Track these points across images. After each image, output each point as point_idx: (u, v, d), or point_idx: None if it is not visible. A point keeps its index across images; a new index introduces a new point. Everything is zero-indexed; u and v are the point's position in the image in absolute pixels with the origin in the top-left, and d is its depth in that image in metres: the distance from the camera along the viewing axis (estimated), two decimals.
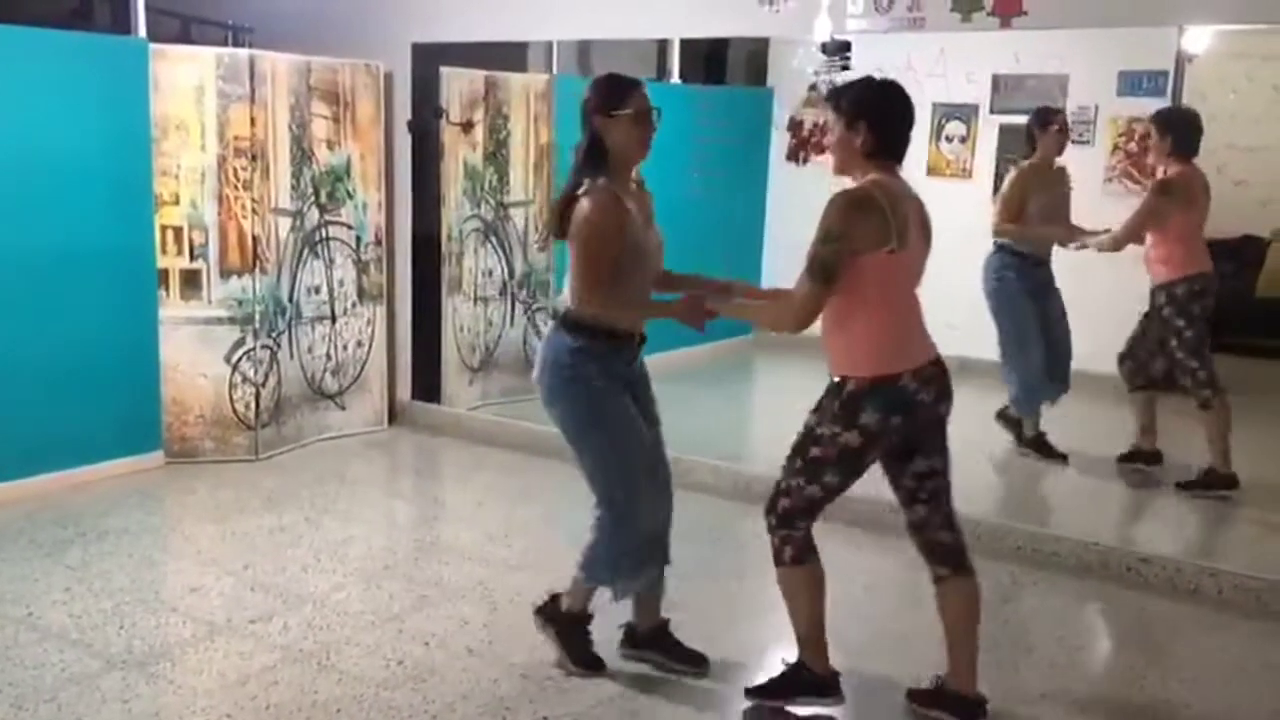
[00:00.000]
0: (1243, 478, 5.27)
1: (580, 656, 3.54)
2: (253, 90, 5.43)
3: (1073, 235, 5.61)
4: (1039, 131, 5.66)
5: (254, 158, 5.47)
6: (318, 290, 5.95)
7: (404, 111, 6.25)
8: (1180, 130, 5.23)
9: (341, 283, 6.05)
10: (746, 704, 3.36)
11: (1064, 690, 3.58)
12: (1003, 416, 5.90)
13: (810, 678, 3.29)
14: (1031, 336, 5.67)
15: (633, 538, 3.38)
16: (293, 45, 5.87)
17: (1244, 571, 4.27)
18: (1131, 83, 7.24)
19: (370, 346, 6.24)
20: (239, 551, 4.50)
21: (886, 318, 3.06)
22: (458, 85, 6.28)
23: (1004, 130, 7.68)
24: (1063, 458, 5.71)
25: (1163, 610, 4.21)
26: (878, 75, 3.13)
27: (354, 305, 6.13)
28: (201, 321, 5.51)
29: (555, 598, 3.60)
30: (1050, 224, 5.63)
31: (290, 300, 5.79)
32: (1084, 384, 5.88)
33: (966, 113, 7.70)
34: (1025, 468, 5.70)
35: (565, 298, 3.31)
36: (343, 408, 6.16)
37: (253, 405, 5.61)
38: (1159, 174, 5.37)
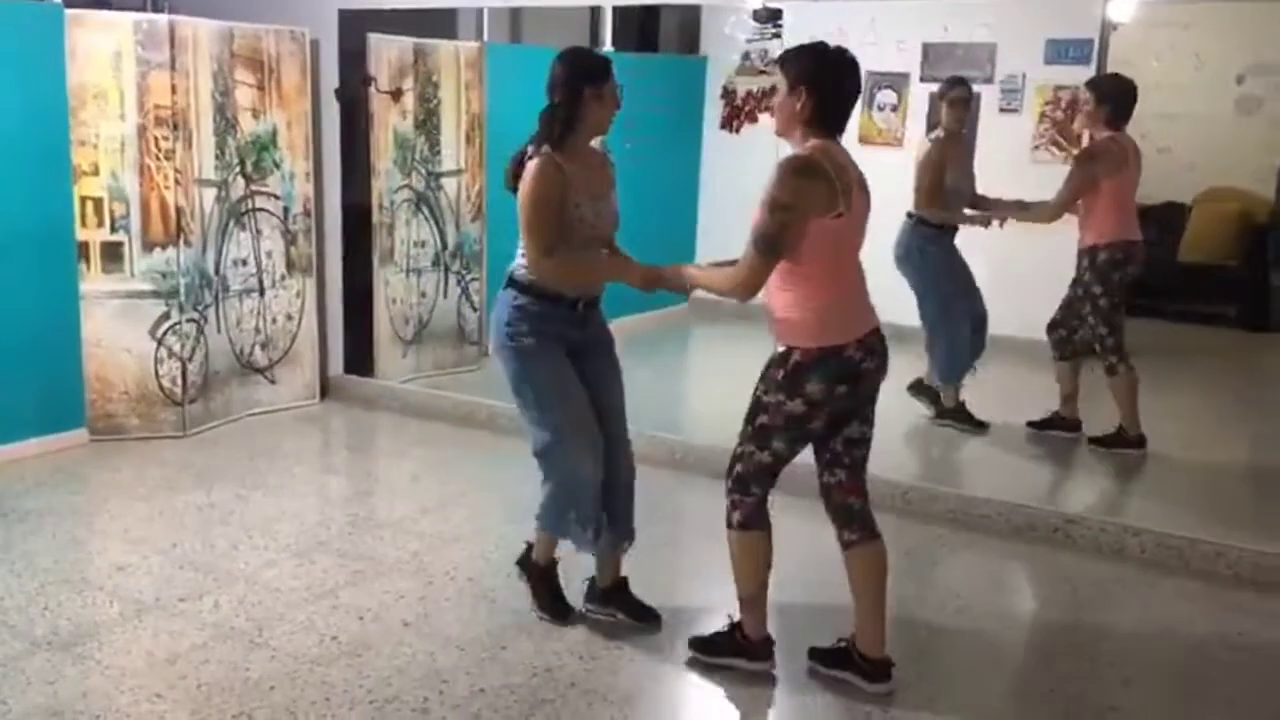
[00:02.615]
0: (1162, 440, 5.41)
1: (546, 603, 3.71)
2: (173, 57, 5.30)
3: (993, 211, 5.68)
4: (941, 103, 5.71)
5: (176, 127, 5.34)
6: (245, 262, 5.83)
7: (331, 79, 6.13)
8: (1117, 100, 5.30)
9: (269, 255, 5.94)
10: (688, 655, 3.46)
11: (993, 651, 3.66)
12: (916, 388, 5.96)
13: (742, 642, 3.37)
14: (957, 307, 5.72)
15: (570, 491, 3.51)
16: (214, 11, 5.72)
17: (1166, 530, 4.37)
18: (1058, 51, 7.34)
19: (300, 319, 6.14)
20: (167, 529, 4.42)
21: (832, 287, 3.09)
22: (386, 53, 6.17)
23: (934, 99, 7.75)
24: (984, 426, 5.78)
25: (1089, 570, 4.30)
26: (832, 42, 3.13)
27: (283, 277, 6.02)
28: (124, 295, 5.38)
29: (530, 546, 3.79)
30: (962, 193, 5.71)
31: (216, 273, 5.68)
32: (1008, 349, 5.99)
33: (897, 81, 7.75)
34: (947, 435, 5.77)
35: (519, 258, 3.43)
36: (273, 382, 6.07)
37: (179, 380, 5.50)
38: (1084, 140, 5.45)
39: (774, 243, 2.98)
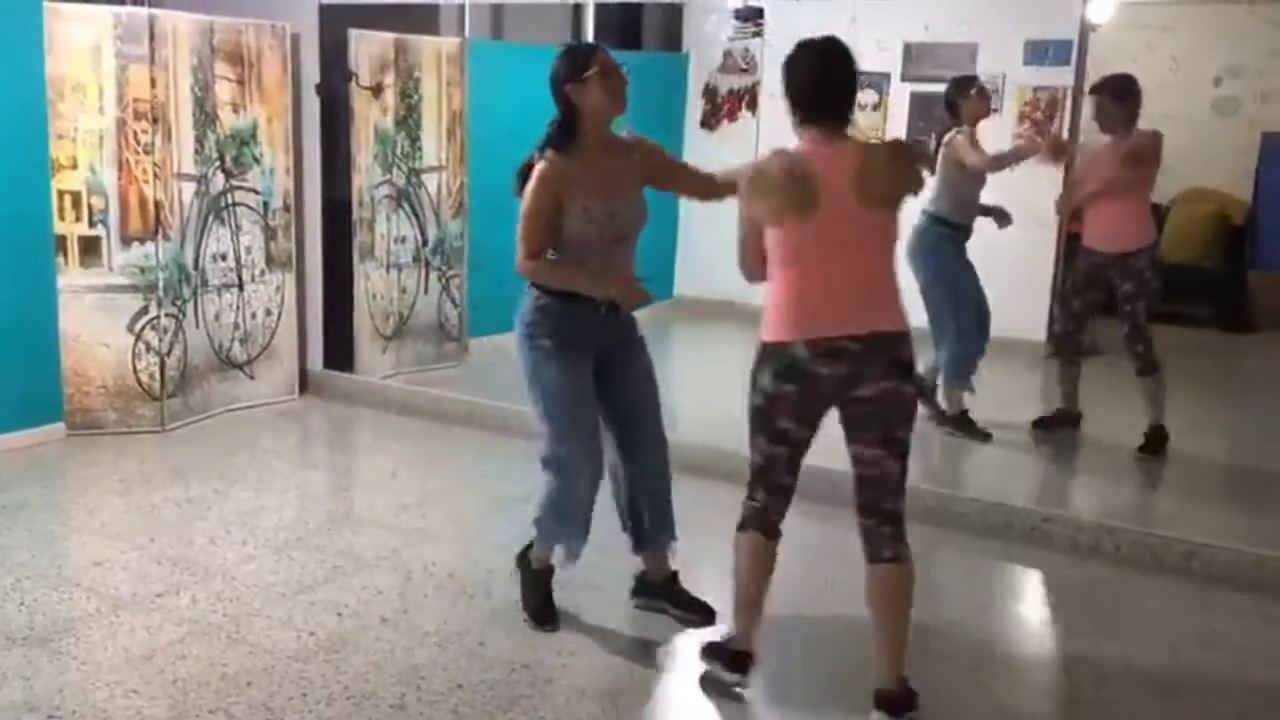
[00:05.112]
0: (1138, 439, 5.43)
1: (529, 605, 3.68)
2: (153, 51, 5.27)
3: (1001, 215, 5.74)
4: (961, 99, 5.49)
5: (155, 120, 5.32)
6: (224, 257, 5.81)
7: (312, 74, 6.11)
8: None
9: (249, 249, 5.92)
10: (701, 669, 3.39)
11: (971, 646, 3.68)
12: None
13: (724, 651, 3.32)
14: (967, 309, 5.56)
15: (562, 500, 3.52)
16: (194, 4, 5.70)
17: (1141, 529, 4.41)
18: (1038, 52, 7.39)
19: (280, 314, 6.12)
20: (144, 524, 4.40)
21: (792, 285, 3.01)
22: (367, 48, 6.16)
23: (915, 98, 7.78)
24: (987, 436, 5.63)
25: (1064, 568, 4.33)
26: (808, 37, 3.07)
27: (262, 273, 6.00)
28: (102, 289, 5.36)
29: (529, 546, 3.73)
30: (975, 189, 5.56)
31: (195, 267, 5.66)
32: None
33: (878, 81, 7.78)
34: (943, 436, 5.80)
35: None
36: (252, 377, 6.05)
37: (157, 375, 5.48)
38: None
39: (741, 246, 3.11)
